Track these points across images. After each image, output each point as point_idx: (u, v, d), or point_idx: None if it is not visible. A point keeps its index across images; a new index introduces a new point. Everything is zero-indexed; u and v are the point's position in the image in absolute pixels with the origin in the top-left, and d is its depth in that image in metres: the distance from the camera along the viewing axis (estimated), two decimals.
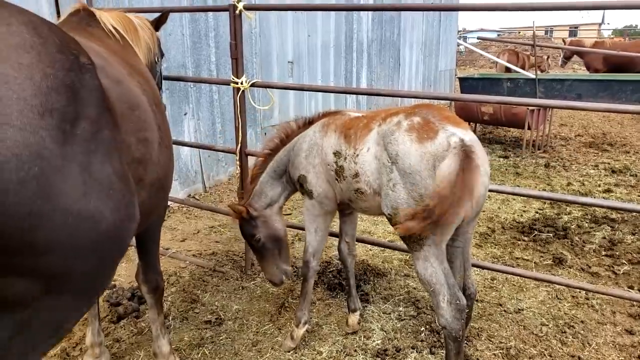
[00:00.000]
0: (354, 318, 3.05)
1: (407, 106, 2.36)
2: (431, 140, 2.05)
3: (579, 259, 4.06)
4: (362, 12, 9.46)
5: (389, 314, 3.25)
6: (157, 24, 2.95)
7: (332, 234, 3.75)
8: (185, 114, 5.53)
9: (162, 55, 3.11)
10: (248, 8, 3.31)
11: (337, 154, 2.50)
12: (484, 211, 5.18)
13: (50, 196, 1.17)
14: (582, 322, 3.12)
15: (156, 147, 1.94)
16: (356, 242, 3.83)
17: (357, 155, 2.37)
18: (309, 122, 2.80)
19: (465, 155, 1.98)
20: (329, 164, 2.55)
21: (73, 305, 1.40)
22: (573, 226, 4.71)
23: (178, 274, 3.85)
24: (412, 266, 3.89)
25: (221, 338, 3.02)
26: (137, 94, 1.93)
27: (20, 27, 1.18)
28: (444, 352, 2.35)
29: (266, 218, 2.90)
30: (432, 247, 2.13)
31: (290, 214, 5.15)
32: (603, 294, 2.98)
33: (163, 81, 3.42)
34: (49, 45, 1.24)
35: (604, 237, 4.44)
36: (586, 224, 4.77)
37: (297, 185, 2.81)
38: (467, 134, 2.08)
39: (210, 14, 5.74)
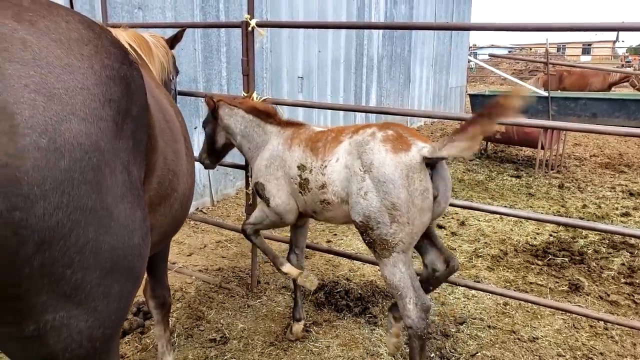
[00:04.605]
0: (297, 327, 3.13)
1: (375, 123, 2.50)
2: (405, 152, 2.19)
3: (597, 285, 3.91)
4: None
5: None
6: (173, 42, 2.96)
7: (339, 254, 3.69)
8: (195, 128, 5.53)
9: (177, 72, 3.10)
10: (260, 25, 3.28)
11: (301, 167, 2.57)
12: (495, 232, 5.07)
13: (101, 191, 1.12)
14: (601, 354, 2.99)
15: (184, 158, 1.96)
16: (364, 263, 3.75)
17: (325, 166, 2.44)
18: (284, 123, 2.86)
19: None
20: (293, 177, 2.62)
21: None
22: (590, 251, 4.57)
23: (184, 289, 3.79)
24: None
25: (226, 358, 2.94)
26: (166, 105, 1.97)
27: (77, 24, 1.22)
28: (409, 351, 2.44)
29: (221, 121, 3.05)
30: (400, 254, 2.24)
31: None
32: (624, 326, 2.85)
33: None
34: (104, 39, 1.27)
35: (623, 264, 4.29)
36: (604, 249, 4.62)
37: (253, 189, 2.91)
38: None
39: (222, 29, 5.77)
